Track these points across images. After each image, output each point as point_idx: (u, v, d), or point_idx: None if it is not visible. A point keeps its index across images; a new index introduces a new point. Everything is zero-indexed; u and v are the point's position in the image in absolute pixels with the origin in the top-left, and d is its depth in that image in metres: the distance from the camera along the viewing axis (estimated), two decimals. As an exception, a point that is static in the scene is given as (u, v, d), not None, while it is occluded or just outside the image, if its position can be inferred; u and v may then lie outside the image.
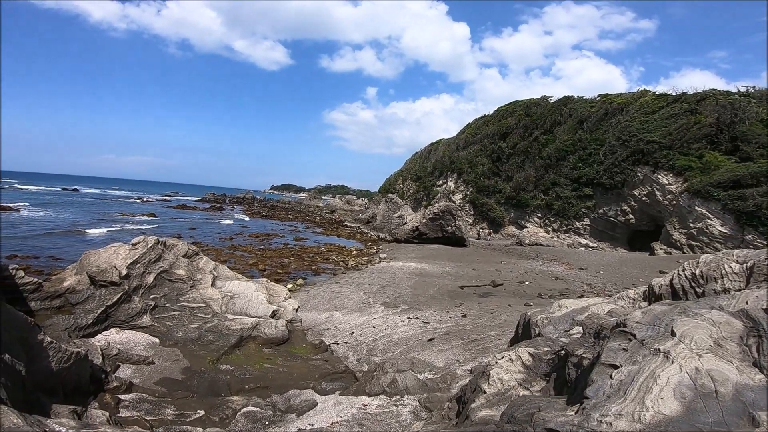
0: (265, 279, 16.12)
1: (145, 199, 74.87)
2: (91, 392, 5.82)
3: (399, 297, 16.08)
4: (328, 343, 10.71)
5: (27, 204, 45.70)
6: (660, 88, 55.01)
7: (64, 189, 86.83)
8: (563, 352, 5.51)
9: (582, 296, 17.24)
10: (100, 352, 6.53)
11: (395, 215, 47.02)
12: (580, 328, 7.11)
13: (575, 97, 56.07)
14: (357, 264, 25.46)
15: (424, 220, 39.87)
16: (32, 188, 78.88)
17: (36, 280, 7.55)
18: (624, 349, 4.24)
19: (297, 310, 13.22)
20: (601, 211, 42.33)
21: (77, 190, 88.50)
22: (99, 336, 7.43)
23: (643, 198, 38.67)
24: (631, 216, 40.30)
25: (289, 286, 17.88)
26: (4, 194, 58.36)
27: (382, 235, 44.57)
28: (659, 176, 37.31)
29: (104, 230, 30.81)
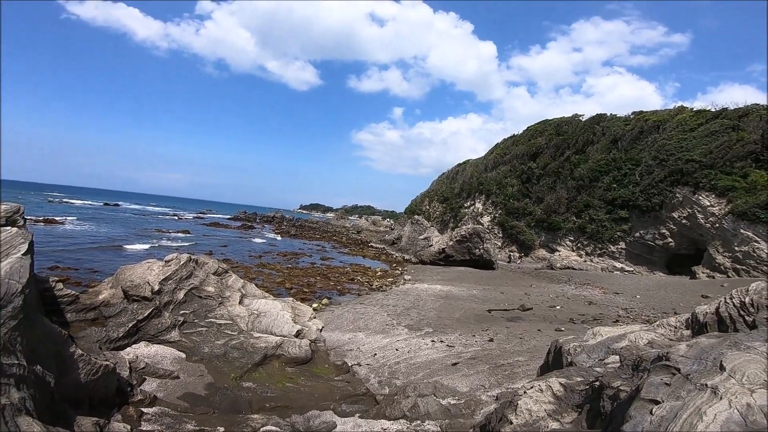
0: (291, 298, 16.22)
1: (180, 216, 77.86)
2: (116, 404, 5.93)
3: (423, 319, 15.75)
4: (350, 364, 10.56)
5: (73, 218, 48.45)
6: (698, 104, 53.00)
7: (106, 204, 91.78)
8: (598, 383, 5.17)
9: (617, 321, 16.34)
10: (128, 365, 6.69)
11: (421, 237, 46.66)
12: (617, 357, 6.68)
13: (608, 114, 54.70)
14: (381, 285, 25.29)
15: (451, 243, 39.35)
16: (78, 203, 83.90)
17: (73, 292, 7.89)
18: (666, 384, 3.93)
19: (321, 330, 13.17)
20: (637, 234, 40.46)
21: (118, 205, 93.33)
22: (128, 349, 7.63)
23: (683, 221, 36.73)
24: (670, 239, 38.28)
25: (314, 305, 17.92)
26: (52, 208, 62.41)
27: (407, 257, 44.24)
28: (700, 197, 35.42)
29: (141, 246, 32.13)
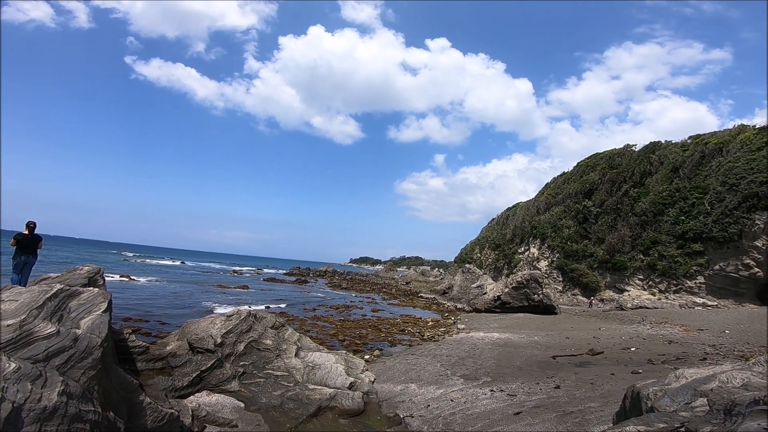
0: (344, 350, 16.22)
1: (240, 273, 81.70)
2: (180, 451, 6.10)
3: (480, 368, 14.89)
4: (402, 416, 10.17)
5: (144, 275, 52.75)
6: (758, 121, 48.92)
7: (173, 262, 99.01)
8: (683, 429, 4.61)
9: (704, 359, 14.47)
10: (191, 413, 6.92)
11: (474, 285, 45.13)
12: (705, 400, 5.92)
13: (663, 142, 51.93)
14: (433, 335, 24.49)
15: (506, 289, 37.72)
16: (149, 261, 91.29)
17: (144, 343, 8.48)
18: (765, 430, 3.47)
19: (373, 382, 12.91)
20: (717, 267, 36.52)
21: (184, 263, 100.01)
22: (191, 397, 7.92)
23: (770, 249, 32.82)
24: (756, 269, 34.10)
25: (366, 357, 17.72)
26: (127, 265, 68.31)
27: (460, 306, 42.73)
28: (785, 222, 31.71)
29: (204, 301, 33.89)
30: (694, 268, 38.03)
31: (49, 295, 6.11)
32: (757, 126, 42.04)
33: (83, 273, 8.58)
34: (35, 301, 5.86)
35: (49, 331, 5.40)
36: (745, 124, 44.49)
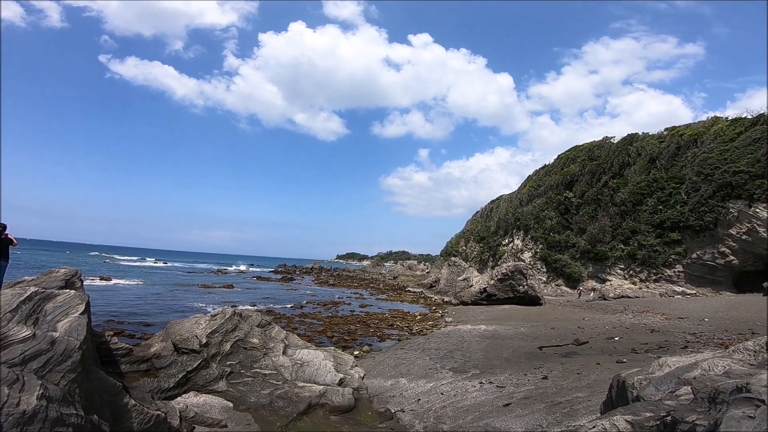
0: (333, 347, 16.14)
1: (225, 272, 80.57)
2: (167, 454, 5.96)
3: (469, 361, 15.01)
4: (393, 411, 10.18)
5: (124, 276, 51.54)
6: (730, 113, 50.63)
7: (156, 261, 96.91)
8: (670, 418, 4.69)
9: (686, 347, 14.91)
10: (178, 414, 6.76)
11: (460, 278, 45.53)
12: (689, 388, 6.06)
13: (640, 134, 53.16)
14: (422, 329, 24.59)
15: (492, 282, 38.13)
16: (128, 263, 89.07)
17: (127, 345, 8.25)
18: (750, 417, 3.55)
19: (363, 377, 12.88)
20: (694, 255, 37.65)
21: (166, 263, 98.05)
22: (179, 398, 7.74)
23: (743, 236, 33.96)
24: (732, 257, 35.28)
25: (356, 352, 17.67)
26: (106, 267, 66.63)
27: (447, 299, 43.06)
28: (758, 210, 32.87)
29: (189, 302, 33.28)
30: (673, 256, 39.12)
31: (23, 297, 5.87)
32: (729, 118, 43.42)
33: (60, 275, 8.27)
34: (8, 305, 5.62)
35: (24, 334, 5.18)
36: (718, 116, 45.90)
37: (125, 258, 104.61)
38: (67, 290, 7.15)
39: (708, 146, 40.62)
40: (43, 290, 6.40)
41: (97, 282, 41.36)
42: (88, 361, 5.91)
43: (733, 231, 34.82)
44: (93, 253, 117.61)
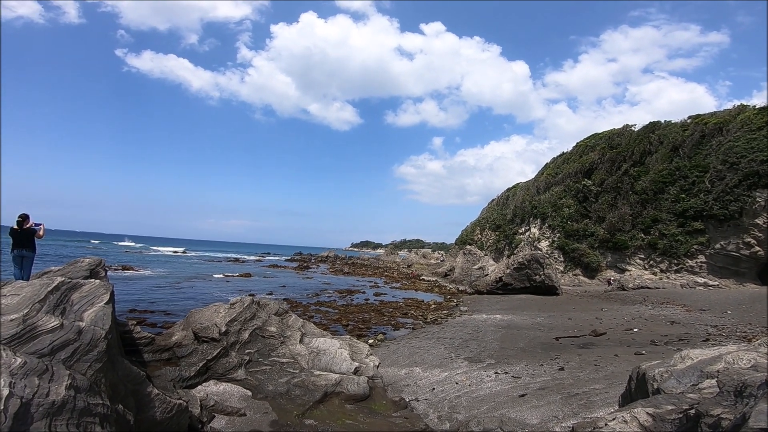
0: (348, 335, 16.30)
1: (242, 261, 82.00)
2: (189, 441, 6.14)
3: (484, 351, 14.99)
4: (407, 400, 10.26)
5: (146, 266, 52.95)
6: (756, 101, 48.42)
7: (175, 252, 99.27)
8: (693, 411, 4.58)
9: (707, 340, 14.59)
10: (199, 403, 6.95)
11: (475, 267, 45.27)
12: (713, 381, 5.91)
13: (662, 122, 51.39)
14: (436, 318, 24.65)
15: (508, 270, 37.81)
16: (151, 251, 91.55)
17: (149, 334, 8.48)
18: None
19: (378, 366, 13.00)
20: (718, 246, 36.55)
21: (186, 252, 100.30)
22: (199, 387, 7.96)
23: (771, 227, 32.75)
24: (757, 248, 34.11)
25: (370, 341, 17.84)
26: (129, 257, 68.54)
27: (462, 288, 42.93)
28: (787, 199, 31.55)
29: (208, 290, 34.04)
30: (695, 246, 38.06)
31: (51, 288, 6.04)
32: (757, 106, 41.62)
33: (84, 265, 8.51)
34: (37, 295, 5.79)
35: (53, 324, 5.34)
36: (745, 104, 44.09)
37: (144, 247, 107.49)
38: (92, 280, 7.34)
39: (734, 134, 39.11)
40: (69, 280, 6.58)
41: (120, 271, 42.61)
42: (113, 350, 6.08)
43: (759, 221, 33.64)
44: (114, 243, 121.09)
